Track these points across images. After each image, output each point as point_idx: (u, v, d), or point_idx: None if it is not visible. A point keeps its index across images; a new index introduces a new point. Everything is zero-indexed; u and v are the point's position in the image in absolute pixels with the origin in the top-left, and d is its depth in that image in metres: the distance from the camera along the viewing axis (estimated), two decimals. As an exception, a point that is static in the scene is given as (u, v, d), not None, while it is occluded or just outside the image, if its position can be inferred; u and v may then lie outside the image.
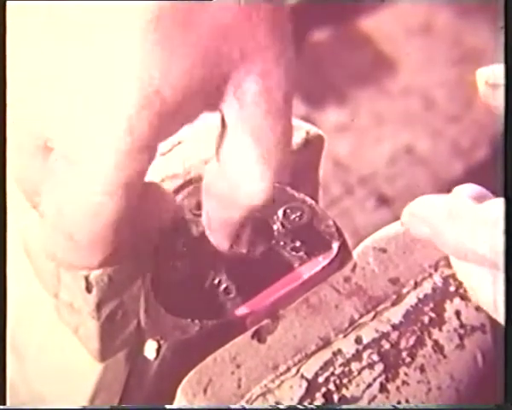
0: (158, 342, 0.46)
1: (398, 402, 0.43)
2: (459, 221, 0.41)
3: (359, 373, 0.43)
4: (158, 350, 0.46)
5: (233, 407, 0.42)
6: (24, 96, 0.39)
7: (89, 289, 0.47)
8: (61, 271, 0.48)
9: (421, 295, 0.46)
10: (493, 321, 0.45)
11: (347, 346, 0.44)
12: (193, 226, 0.46)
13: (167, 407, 0.44)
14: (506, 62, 0.45)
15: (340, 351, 0.44)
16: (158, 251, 0.46)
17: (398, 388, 0.44)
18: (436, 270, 0.47)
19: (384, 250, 0.47)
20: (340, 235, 0.47)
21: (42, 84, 0.38)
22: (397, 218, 0.48)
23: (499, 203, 0.41)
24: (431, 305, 0.46)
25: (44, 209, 0.40)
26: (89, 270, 0.44)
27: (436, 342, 0.45)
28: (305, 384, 0.43)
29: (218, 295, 0.44)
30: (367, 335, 0.44)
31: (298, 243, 0.46)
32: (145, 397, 0.48)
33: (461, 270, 0.45)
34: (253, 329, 0.44)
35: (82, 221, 0.38)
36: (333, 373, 0.43)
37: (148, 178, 0.49)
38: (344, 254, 0.47)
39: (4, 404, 0.50)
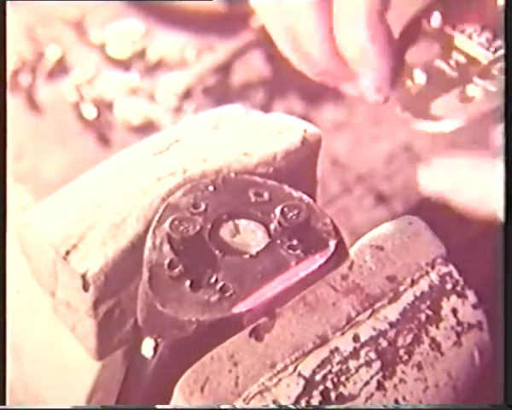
0: (155, 340, 0.46)
1: (396, 400, 0.43)
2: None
3: (357, 371, 0.43)
4: (155, 348, 0.46)
5: (223, 407, 0.42)
6: None
7: (86, 288, 0.47)
8: (59, 269, 0.48)
9: (418, 293, 0.46)
10: (490, 319, 0.45)
11: (345, 344, 0.44)
12: (190, 225, 0.46)
13: (158, 407, 0.44)
14: (506, 62, 0.46)
15: (337, 349, 0.44)
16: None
17: (395, 385, 0.44)
18: (433, 268, 0.47)
19: (381, 248, 0.47)
20: (337, 233, 0.47)
21: None
22: (394, 216, 0.48)
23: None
24: (428, 303, 0.46)
25: None
26: None
27: (433, 340, 0.45)
28: (302, 382, 0.43)
29: (215, 293, 0.44)
30: (364, 333, 0.44)
31: (295, 242, 0.46)
32: (142, 395, 0.48)
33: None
34: (251, 327, 0.44)
35: None
36: (330, 371, 0.43)
37: (145, 176, 0.50)
38: (341, 252, 0.47)
39: (4, 404, 0.50)
